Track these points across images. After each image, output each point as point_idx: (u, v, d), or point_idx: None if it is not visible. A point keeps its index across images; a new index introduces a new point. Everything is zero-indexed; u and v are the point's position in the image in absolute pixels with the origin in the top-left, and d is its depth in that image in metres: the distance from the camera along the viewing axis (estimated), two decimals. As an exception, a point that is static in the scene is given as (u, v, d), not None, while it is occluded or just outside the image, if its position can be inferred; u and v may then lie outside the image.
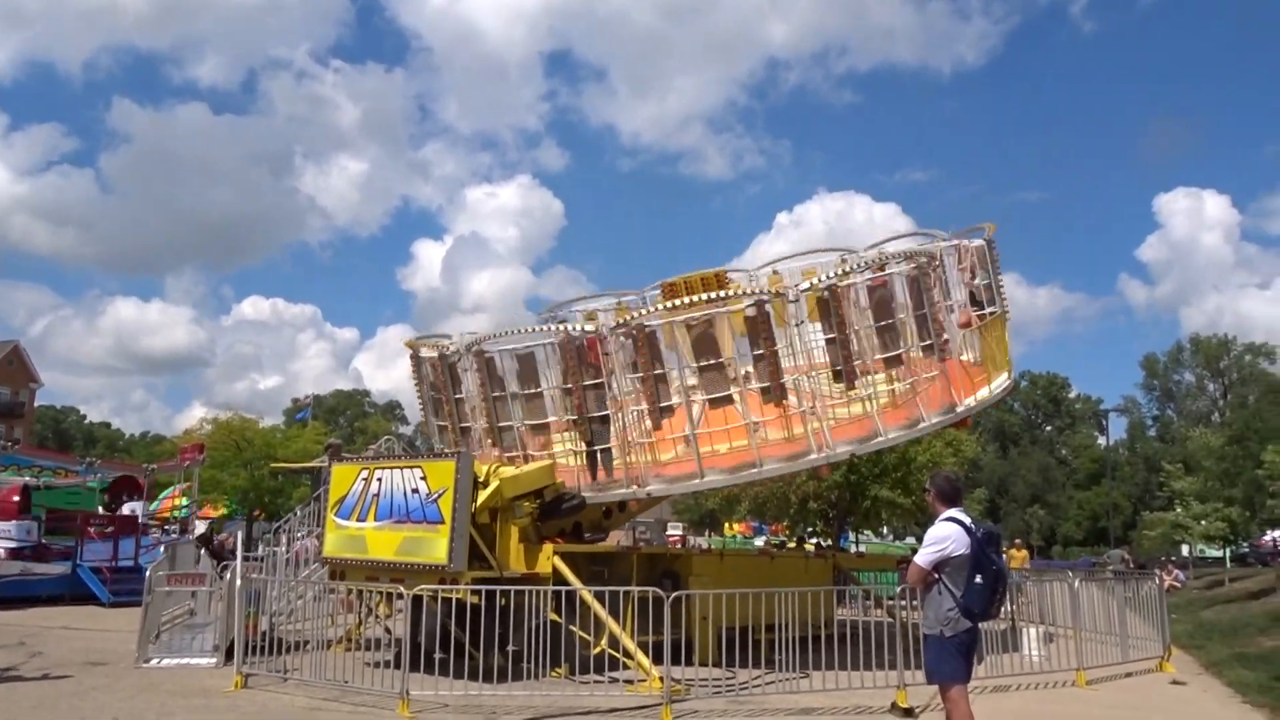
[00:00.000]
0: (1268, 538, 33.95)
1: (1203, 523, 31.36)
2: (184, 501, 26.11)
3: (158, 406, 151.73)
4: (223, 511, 36.90)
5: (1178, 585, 29.61)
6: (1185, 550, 39.43)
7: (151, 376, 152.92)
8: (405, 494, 11.52)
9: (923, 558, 6.48)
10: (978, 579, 6.32)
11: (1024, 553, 31.17)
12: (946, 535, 6.44)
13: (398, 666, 9.36)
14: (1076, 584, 12.32)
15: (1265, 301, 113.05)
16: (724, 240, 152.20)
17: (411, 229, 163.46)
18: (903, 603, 9.69)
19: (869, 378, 12.78)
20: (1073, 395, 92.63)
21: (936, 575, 6.44)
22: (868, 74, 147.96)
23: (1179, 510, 33.80)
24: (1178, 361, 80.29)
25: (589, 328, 13.25)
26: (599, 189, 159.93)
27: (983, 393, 14.05)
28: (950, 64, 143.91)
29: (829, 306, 12.38)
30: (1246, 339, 77.16)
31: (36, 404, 75.60)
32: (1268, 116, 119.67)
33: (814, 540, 31.65)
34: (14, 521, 20.88)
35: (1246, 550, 38.69)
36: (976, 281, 14.16)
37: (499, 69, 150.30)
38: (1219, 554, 38.79)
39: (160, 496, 29.82)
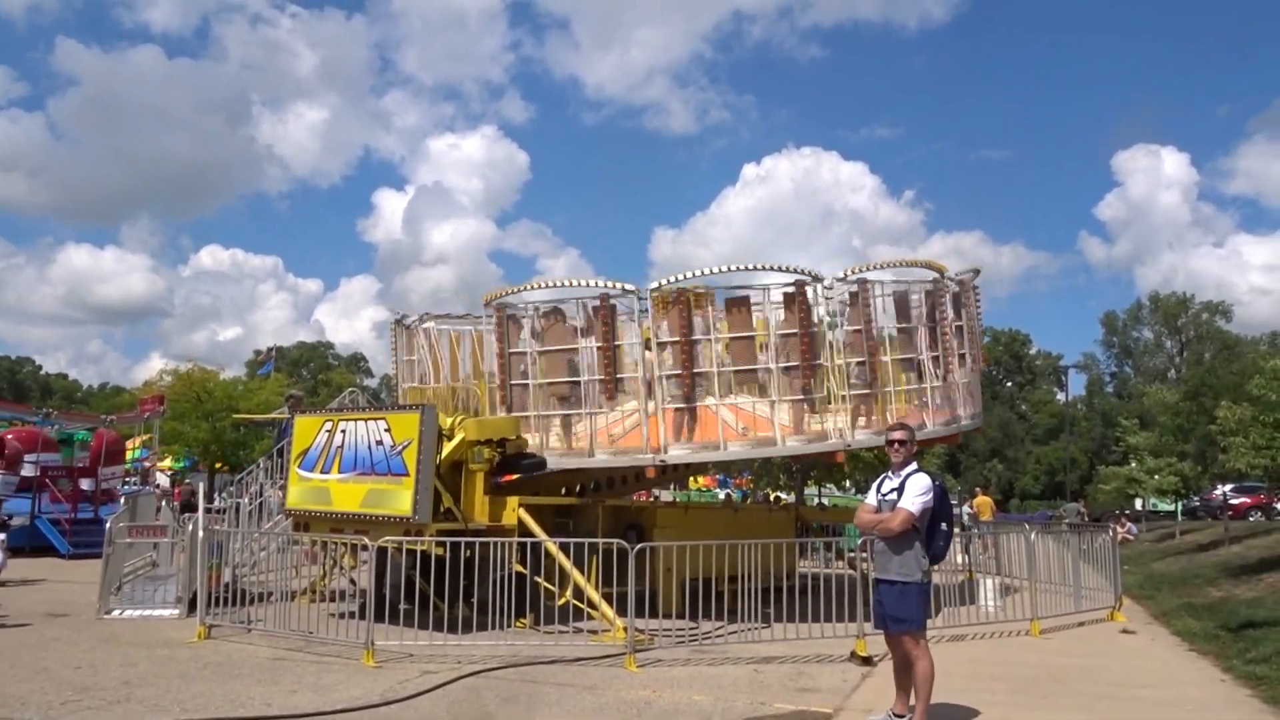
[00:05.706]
0: (1218, 492, 34.67)
1: (1156, 477, 32.05)
2: (139, 453, 25.75)
3: (115, 357, 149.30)
4: (169, 462, 36.31)
5: (1130, 538, 30.31)
6: (1139, 504, 40.26)
7: (108, 326, 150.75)
8: (370, 446, 11.45)
9: (915, 505, 6.54)
10: (943, 526, 6.74)
11: (988, 499, 31.41)
12: (930, 485, 6.64)
13: (363, 617, 9.39)
14: (1033, 537, 12.55)
15: (1217, 260, 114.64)
16: (690, 194, 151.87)
17: (373, 179, 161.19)
18: (863, 555, 9.83)
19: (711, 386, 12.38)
20: (1033, 351, 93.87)
21: (915, 525, 6.58)
22: (833, 29, 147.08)
23: (1133, 465, 34.48)
24: (1137, 319, 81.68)
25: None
26: (564, 142, 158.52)
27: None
28: (916, 20, 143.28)
29: (671, 308, 12.24)
30: (1202, 298, 78.62)
31: (-9, 354, 74.24)
32: (1228, 76, 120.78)
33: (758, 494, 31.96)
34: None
35: (1197, 504, 39.53)
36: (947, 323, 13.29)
37: (459, 18, 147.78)
38: (1171, 508, 39.63)
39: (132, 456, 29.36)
